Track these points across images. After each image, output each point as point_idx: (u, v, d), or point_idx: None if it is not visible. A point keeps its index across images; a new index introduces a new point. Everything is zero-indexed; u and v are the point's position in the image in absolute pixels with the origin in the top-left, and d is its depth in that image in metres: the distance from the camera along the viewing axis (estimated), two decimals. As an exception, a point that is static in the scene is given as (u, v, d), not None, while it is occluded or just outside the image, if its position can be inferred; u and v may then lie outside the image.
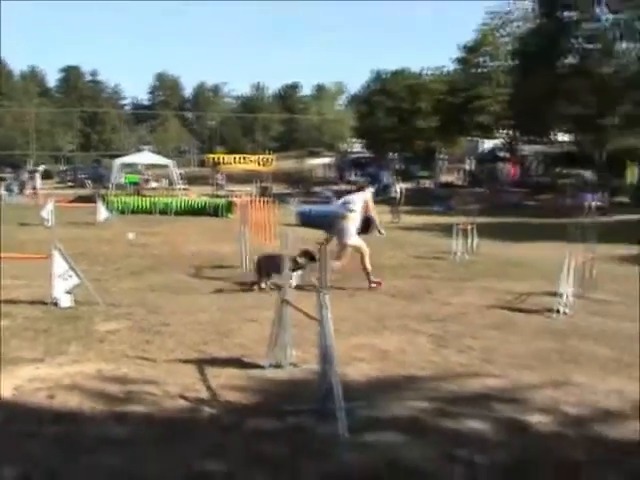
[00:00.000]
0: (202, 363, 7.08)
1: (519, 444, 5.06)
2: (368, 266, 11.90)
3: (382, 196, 36.85)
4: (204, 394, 6.16)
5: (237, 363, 7.09)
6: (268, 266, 10.80)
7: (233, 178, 51.40)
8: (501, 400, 6.04)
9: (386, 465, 4.68)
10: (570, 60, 41.67)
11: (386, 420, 5.51)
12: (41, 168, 64.53)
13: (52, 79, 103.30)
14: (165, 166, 45.00)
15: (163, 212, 30.92)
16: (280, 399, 5.92)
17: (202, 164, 70.00)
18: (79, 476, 4.56)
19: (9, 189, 46.69)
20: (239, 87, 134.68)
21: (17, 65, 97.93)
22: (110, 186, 39.82)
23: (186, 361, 7.18)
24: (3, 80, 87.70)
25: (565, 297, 10.11)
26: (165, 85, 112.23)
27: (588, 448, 4.97)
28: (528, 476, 4.52)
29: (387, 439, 5.14)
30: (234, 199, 29.52)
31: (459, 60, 57.08)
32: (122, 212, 29.98)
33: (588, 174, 37.11)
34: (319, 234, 13.35)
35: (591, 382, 6.56)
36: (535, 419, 5.54)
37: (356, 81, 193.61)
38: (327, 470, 4.63)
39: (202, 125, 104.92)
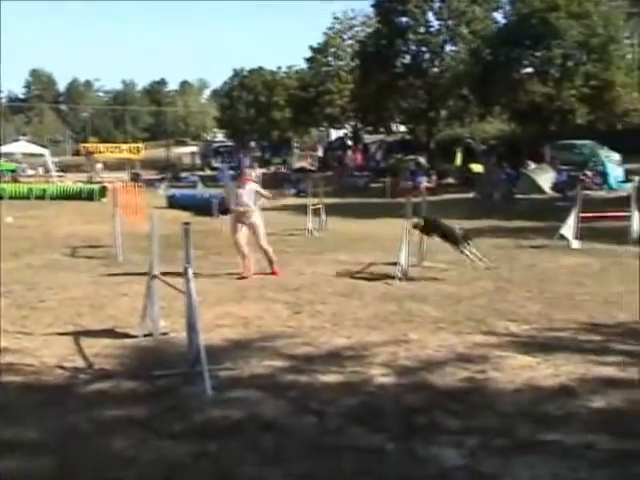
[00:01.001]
0: (78, 335, 6.89)
1: (365, 394, 5.18)
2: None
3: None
4: (80, 363, 5.95)
5: (111, 334, 6.90)
6: None
7: (107, 166, 49.74)
8: (348, 357, 6.17)
9: (246, 419, 4.68)
10: (404, 60, 42.88)
11: (247, 379, 5.53)
12: None
13: None
14: (41, 155, 43.37)
15: (40, 197, 29.34)
16: (151, 365, 5.80)
17: (77, 153, 67.32)
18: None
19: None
20: (110, 83, 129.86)
21: None
22: None
23: (62, 334, 7.00)
24: None
25: (402, 266, 10.43)
26: (40, 80, 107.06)
27: (421, 395, 5.16)
28: (373, 420, 4.63)
29: (248, 396, 5.14)
30: (107, 184, 28.64)
31: (309, 59, 57.57)
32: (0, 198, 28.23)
33: (421, 159, 38.39)
34: (185, 215, 13.15)
35: (424, 338, 6.80)
36: (378, 371, 5.69)
37: (217, 77, 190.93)
38: (192, 425, 4.59)
39: (76, 117, 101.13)
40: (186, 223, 5.68)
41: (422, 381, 5.46)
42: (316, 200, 18.72)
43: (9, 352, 6.24)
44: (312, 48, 56.99)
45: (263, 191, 11.34)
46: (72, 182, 35.09)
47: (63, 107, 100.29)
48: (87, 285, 9.62)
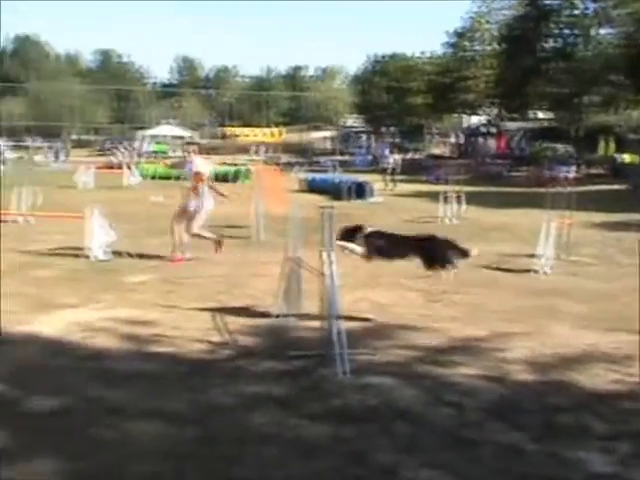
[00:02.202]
0: (217, 311, 7.10)
1: (504, 389, 5.04)
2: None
3: (374, 166, 36.71)
4: (219, 338, 6.15)
5: (248, 312, 7.08)
6: None
7: (246, 149, 51.17)
8: (485, 350, 6.02)
9: (381, 405, 4.67)
10: (551, 44, 41.15)
11: (382, 365, 5.51)
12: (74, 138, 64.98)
13: (85, 60, 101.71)
14: (187, 137, 45.42)
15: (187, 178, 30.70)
16: (287, 345, 5.90)
17: (220, 136, 69.61)
18: (115, 404, 4.55)
19: (56, 156, 47.51)
20: (250, 69, 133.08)
21: (57, 47, 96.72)
22: (137, 154, 39.89)
23: (204, 309, 7.19)
24: (44, 60, 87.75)
25: (544, 259, 10.05)
26: (186, 66, 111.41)
27: (565, 394, 4.95)
28: (513, 417, 4.49)
29: (383, 382, 5.13)
30: (251, 167, 29.31)
31: (449, 44, 56.49)
32: (151, 177, 29.41)
33: (565, 148, 36.81)
34: (320, 198, 13.25)
35: (567, 335, 6.53)
36: (517, 367, 5.52)
37: (353, 63, 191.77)
38: (329, 407, 4.63)
39: (219, 102, 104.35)
40: (329, 207, 5.72)
41: (566, 380, 5.24)
42: (454, 187, 18.36)
43: (156, 324, 6.55)
44: (455, 32, 55.86)
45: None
46: (218, 164, 36.34)
47: (207, 92, 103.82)
48: (228, 264, 9.93)
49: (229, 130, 54.73)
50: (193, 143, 19.25)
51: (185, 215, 10.42)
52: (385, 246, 7.14)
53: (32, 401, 4.57)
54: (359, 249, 7.04)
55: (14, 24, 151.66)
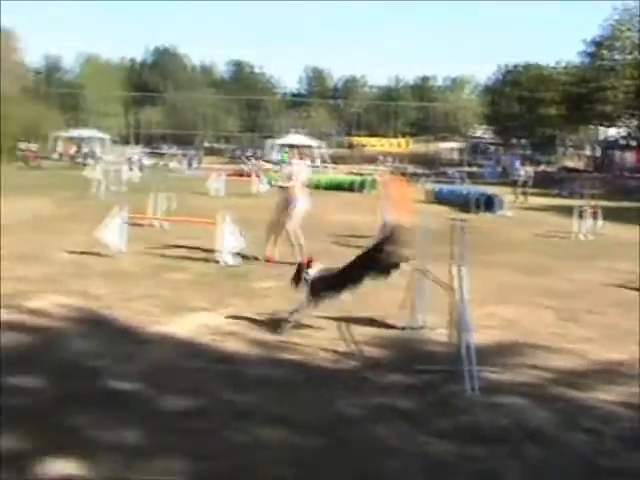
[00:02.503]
0: (344, 321, 7.10)
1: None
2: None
3: (504, 179, 35.79)
4: (347, 348, 6.16)
5: (373, 323, 7.06)
6: None
7: (371, 159, 51.32)
8: (623, 374, 5.71)
9: (512, 426, 4.52)
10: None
11: (512, 384, 5.34)
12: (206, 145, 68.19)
13: (219, 71, 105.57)
14: (316, 147, 45.77)
15: (313, 187, 30.80)
16: (413, 358, 5.84)
17: (347, 146, 70.21)
18: (244, 408, 4.64)
19: (190, 163, 48.93)
20: (379, 80, 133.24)
21: (193, 59, 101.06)
22: (270, 162, 41.62)
23: (329, 318, 7.17)
24: (180, 71, 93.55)
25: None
26: (315, 77, 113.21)
27: None
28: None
29: (513, 402, 4.97)
30: (377, 177, 29.33)
31: (587, 53, 54.37)
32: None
33: None
34: (445, 210, 13.02)
35: None
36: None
37: (482, 73, 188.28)
38: (457, 424, 4.53)
39: (347, 112, 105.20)
40: (460, 220, 5.62)
41: None
42: (589, 202, 17.60)
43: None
44: (593, 41, 53.75)
45: None
46: (344, 173, 36.67)
47: (335, 102, 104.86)
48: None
49: (356, 140, 55.32)
50: (298, 146, 19.66)
51: (282, 215, 10.86)
52: (328, 284, 6.55)
53: (166, 400, 4.74)
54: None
55: (153, 36, 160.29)
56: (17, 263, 9.48)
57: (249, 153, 63.09)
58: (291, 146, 51.71)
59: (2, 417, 4.24)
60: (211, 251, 10.58)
